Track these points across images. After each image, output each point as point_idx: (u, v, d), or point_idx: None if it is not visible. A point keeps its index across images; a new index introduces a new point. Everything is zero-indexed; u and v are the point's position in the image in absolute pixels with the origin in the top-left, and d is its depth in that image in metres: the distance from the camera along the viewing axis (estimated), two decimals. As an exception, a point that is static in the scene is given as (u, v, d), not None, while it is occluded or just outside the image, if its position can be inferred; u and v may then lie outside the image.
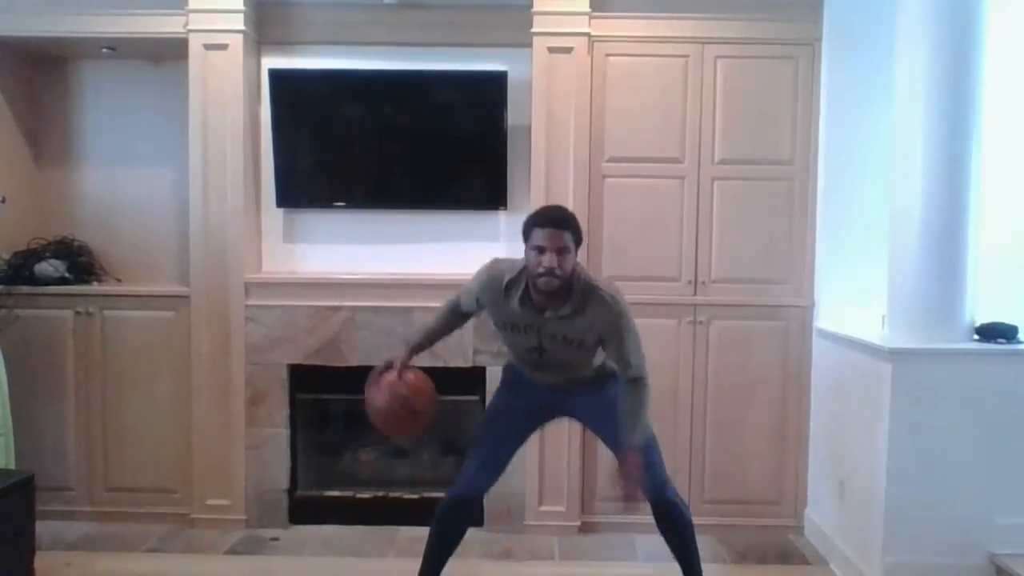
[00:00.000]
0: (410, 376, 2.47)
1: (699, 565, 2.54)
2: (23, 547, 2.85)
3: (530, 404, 2.61)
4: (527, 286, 2.36)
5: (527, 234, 2.33)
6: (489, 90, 3.49)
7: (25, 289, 3.49)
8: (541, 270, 2.26)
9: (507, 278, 2.39)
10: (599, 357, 2.53)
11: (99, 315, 3.52)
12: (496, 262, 2.49)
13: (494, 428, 2.63)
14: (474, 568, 3.13)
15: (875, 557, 2.86)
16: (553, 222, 2.31)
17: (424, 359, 3.43)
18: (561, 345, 2.40)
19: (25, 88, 3.72)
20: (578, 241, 2.33)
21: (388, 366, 2.47)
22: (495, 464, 2.59)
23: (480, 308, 2.54)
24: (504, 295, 2.40)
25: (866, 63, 3.31)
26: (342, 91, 3.58)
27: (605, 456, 2.60)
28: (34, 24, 3.42)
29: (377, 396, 2.44)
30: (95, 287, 3.60)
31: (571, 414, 2.70)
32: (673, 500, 2.49)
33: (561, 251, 2.26)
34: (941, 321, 2.81)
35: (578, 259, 2.38)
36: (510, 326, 2.45)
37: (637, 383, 2.41)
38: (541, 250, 2.27)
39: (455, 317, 2.64)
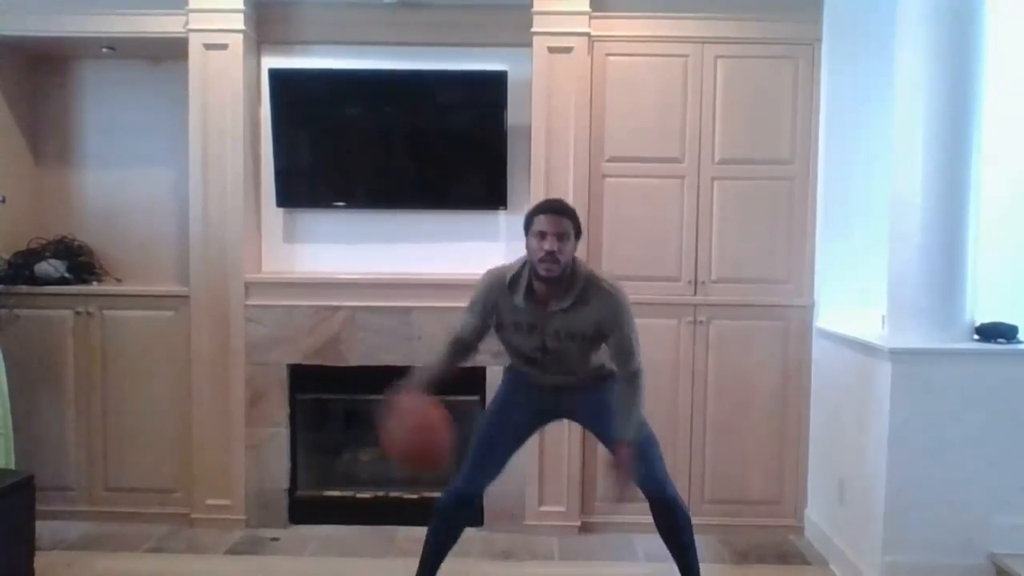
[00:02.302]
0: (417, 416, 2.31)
1: (697, 566, 2.54)
2: (23, 547, 2.85)
3: (531, 405, 2.62)
4: (530, 281, 2.41)
5: (528, 224, 2.39)
6: (489, 90, 3.49)
7: (25, 289, 3.49)
8: (542, 254, 2.31)
9: (509, 275, 2.44)
10: (598, 357, 2.55)
11: (99, 315, 3.52)
12: (492, 269, 2.53)
13: (494, 427, 2.64)
14: (474, 568, 3.13)
15: (875, 557, 2.86)
16: (553, 209, 2.40)
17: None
18: (564, 342, 2.43)
19: (25, 88, 3.71)
20: (577, 231, 2.40)
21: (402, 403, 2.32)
22: (493, 463, 2.60)
23: (484, 322, 2.49)
24: (508, 292, 2.43)
25: (866, 63, 3.31)
26: (342, 91, 3.58)
27: (605, 456, 2.62)
28: (34, 24, 3.42)
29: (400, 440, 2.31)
30: (95, 287, 3.60)
31: (572, 416, 2.73)
32: (673, 497, 2.51)
33: (561, 236, 2.33)
34: (941, 321, 2.81)
35: (578, 256, 2.43)
36: (514, 326, 2.47)
37: (635, 376, 2.46)
38: (543, 235, 2.33)
39: (456, 351, 2.53)
